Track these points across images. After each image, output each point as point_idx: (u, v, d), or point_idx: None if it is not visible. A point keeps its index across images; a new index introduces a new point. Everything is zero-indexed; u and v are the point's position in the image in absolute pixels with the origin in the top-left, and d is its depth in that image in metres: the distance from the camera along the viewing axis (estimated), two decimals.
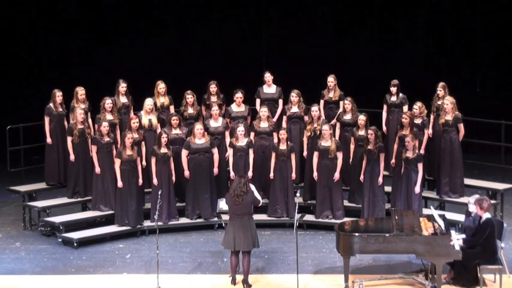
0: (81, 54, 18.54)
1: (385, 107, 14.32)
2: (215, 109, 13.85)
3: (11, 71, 18.43)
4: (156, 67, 17.25)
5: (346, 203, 13.73)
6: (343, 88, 14.40)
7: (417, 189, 12.95)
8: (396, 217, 11.33)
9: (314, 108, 13.82)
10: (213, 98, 14.34)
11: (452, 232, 11.15)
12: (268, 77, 14.40)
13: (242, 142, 13.58)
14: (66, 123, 13.95)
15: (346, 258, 10.94)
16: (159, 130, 13.74)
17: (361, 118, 13.46)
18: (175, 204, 13.62)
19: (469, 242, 10.94)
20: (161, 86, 14.17)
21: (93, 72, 17.97)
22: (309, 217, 13.76)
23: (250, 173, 13.53)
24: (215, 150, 13.60)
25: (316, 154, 13.45)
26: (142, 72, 16.95)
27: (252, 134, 13.85)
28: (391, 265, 11.95)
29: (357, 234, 10.90)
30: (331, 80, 14.32)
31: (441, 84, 13.89)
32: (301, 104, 14.15)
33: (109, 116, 13.75)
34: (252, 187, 11.23)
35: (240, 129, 13.50)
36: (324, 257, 12.39)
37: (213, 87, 14.38)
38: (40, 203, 13.78)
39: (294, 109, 14.13)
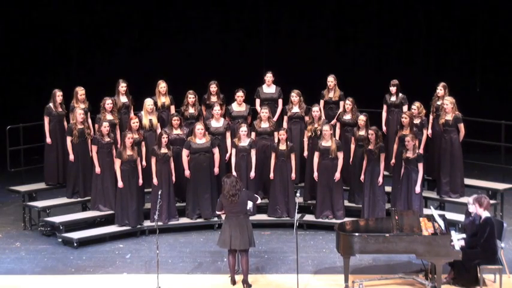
0: (81, 54, 18.52)
1: (384, 107, 14.32)
2: (217, 109, 13.82)
3: (11, 71, 18.42)
4: (156, 67, 17.24)
5: (346, 203, 13.73)
6: (343, 88, 14.40)
7: (417, 189, 12.95)
8: (396, 217, 11.32)
9: (315, 109, 13.81)
10: (213, 98, 14.34)
11: (453, 232, 11.15)
12: (269, 77, 14.40)
13: (244, 142, 13.57)
14: (66, 123, 13.95)
15: (346, 258, 10.94)
16: (159, 130, 13.74)
17: (361, 118, 13.46)
18: (175, 204, 13.62)
19: (469, 242, 10.95)
20: (162, 86, 14.17)
21: (93, 72, 17.97)
22: (309, 217, 13.71)
23: (252, 173, 13.54)
24: (216, 150, 13.59)
25: (316, 154, 13.44)
26: (143, 72, 16.95)
27: (253, 134, 13.85)
28: (391, 265, 11.94)
29: (357, 234, 10.90)
30: (331, 80, 14.32)
31: (442, 84, 13.89)
32: (302, 104, 14.15)
33: (109, 116, 13.74)
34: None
35: (243, 129, 13.47)
36: (324, 257, 12.39)
37: (213, 87, 14.37)
38: (40, 203, 13.78)
39: (295, 109, 14.12)
